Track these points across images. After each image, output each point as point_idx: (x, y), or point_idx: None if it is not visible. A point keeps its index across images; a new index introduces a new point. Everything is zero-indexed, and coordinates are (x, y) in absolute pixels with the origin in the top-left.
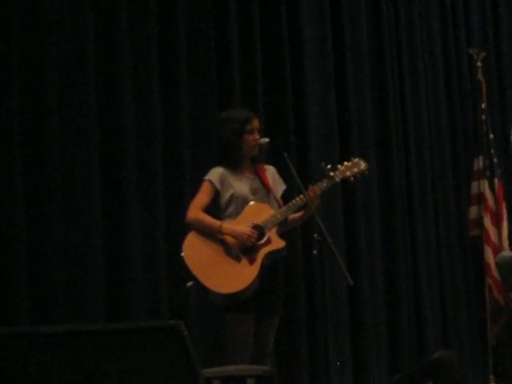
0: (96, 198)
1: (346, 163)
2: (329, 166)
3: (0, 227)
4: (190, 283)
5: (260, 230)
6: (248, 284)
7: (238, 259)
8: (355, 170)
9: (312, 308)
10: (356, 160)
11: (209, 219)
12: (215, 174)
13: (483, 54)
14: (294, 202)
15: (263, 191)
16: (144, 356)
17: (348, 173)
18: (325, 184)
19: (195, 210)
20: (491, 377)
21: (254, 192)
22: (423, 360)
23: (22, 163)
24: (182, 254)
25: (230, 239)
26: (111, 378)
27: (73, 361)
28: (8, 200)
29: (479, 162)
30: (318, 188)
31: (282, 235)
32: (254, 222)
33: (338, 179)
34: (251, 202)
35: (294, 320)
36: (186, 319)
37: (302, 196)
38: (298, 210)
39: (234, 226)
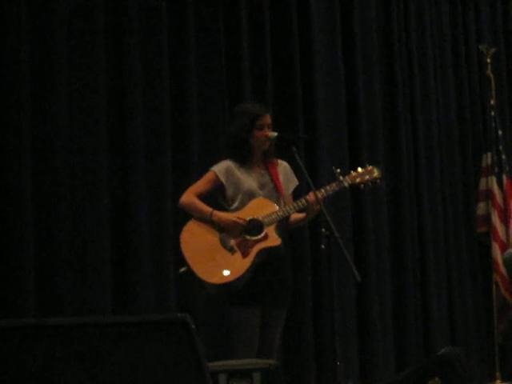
0: (104, 190)
1: (359, 169)
2: (338, 170)
3: (7, 219)
4: (182, 268)
5: (258, 224)
6: (236, 277)
7: (231, 251)
8: (367, 177)
9: (319, 303)
10: (370, 168)
11: (201, 204)
12: (221, 166)
13: (493, 50)
14: (299, 201)
15: (271, 186)
16: (151, 349)
17: (358, 179)
18: (332, 188)
19: (189, 195)
20: (497, 374)
21: (261, 187)
22: (430, 356)
23: (30, 158)
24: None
25: (226, 230)
26: (117, 371)
27: (80, 353)
28: (15, 193)
29: (488, 159)
30: (324, 191)
31: (284, 233)
32: (255, 216)
33: (346, 184)
34: (264, 196)
35: (300, 314)
36: (193, 312)
37: (306, 197)
38: (303, 211)
39: (224, 214)
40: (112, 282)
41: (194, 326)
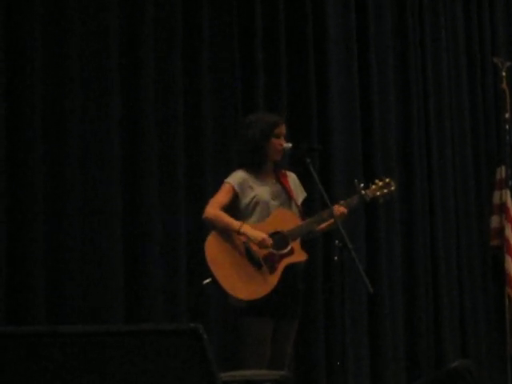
0: (116, 194)
1: (377, 181)
2: (362, 185)
3: (18, 227)
4: (206, 280)
5: (283, 238)
6: (266, 293)
7: (258, 266)
8: (385, 190)
9: (331, 314)
10: (388, 180)
11: (228, 217)
12: (236, 177)
13: (508, 64)
14: (322, 214)
15: (284, 197)
16: (162, 358)
17: (378, 193)
18: (354, 201)
19: (214, 207)
20: None
21: (274, 197)
22: (441, 369)
23: (42, 154)
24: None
25: (253, 244)
26: (128, 380)
27: (90, 361)
28: (26, 190)
29: (502, 172)
30: (346, 204)
31: (303, 244)
32: (279, 229)
33: (368, 198)
34: (277, 207)
35: (312, 326)
36: (205, 322)
37: (329, 210)
38: (322, 222)
39: (252, 230)
40: (124, 290)
41: (205, 336)
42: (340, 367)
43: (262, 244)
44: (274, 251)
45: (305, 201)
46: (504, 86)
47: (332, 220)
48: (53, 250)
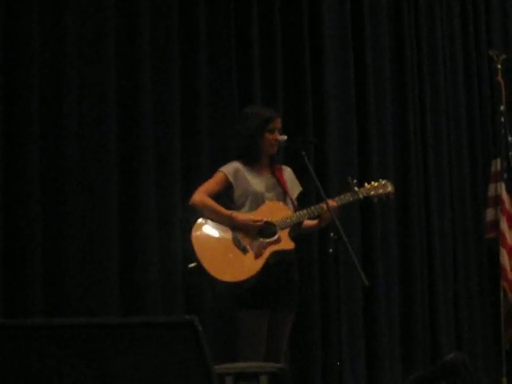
0: (112, 192)
1: (373, 183)
2: (355, 181)
3: (16, 223)
4: (192, 264)
5: (272, 227)
6: (248, 277)
7: (244, 251)
8: (381, 191)
9: (326, 307)
10: (384, 182)
11: (217, 205)
12: (230, 167)
13: (503, 56)
14: (313, 208)
15: (279, 190)
16: (157, 350)
17: (372, 192)
18: (347, 198)
19: (202, 194)
20: (504, 379)
21: (268, 190)
22: (436, 362)
23: (39, 152)
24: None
25: (240, 231)
26: (124, 372)
27: (86, 354)
28: (24, 183)
29: (497, 164)
30: (338, 200)
31: (295, 238)
32: (269, 218)
33: (361, 196)
34: (271, 199)
35: (308, 318)
36: (200, 314)
37: (321, 205)
38: (315, 218)
39: (243, 214)
40: (119, 283)
41: (201, 328)
42: (337, 365)
43: (252, 227)
44: (261, 239)
45: (300, 195)
46: (499, 78)
47: (323, 215)
48: (50, 248)
